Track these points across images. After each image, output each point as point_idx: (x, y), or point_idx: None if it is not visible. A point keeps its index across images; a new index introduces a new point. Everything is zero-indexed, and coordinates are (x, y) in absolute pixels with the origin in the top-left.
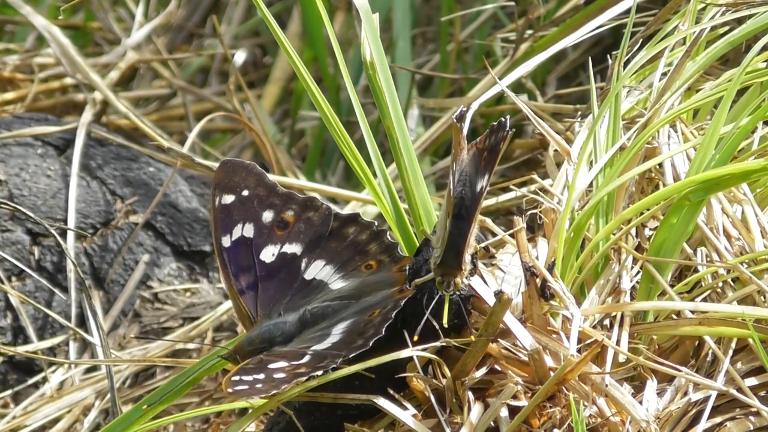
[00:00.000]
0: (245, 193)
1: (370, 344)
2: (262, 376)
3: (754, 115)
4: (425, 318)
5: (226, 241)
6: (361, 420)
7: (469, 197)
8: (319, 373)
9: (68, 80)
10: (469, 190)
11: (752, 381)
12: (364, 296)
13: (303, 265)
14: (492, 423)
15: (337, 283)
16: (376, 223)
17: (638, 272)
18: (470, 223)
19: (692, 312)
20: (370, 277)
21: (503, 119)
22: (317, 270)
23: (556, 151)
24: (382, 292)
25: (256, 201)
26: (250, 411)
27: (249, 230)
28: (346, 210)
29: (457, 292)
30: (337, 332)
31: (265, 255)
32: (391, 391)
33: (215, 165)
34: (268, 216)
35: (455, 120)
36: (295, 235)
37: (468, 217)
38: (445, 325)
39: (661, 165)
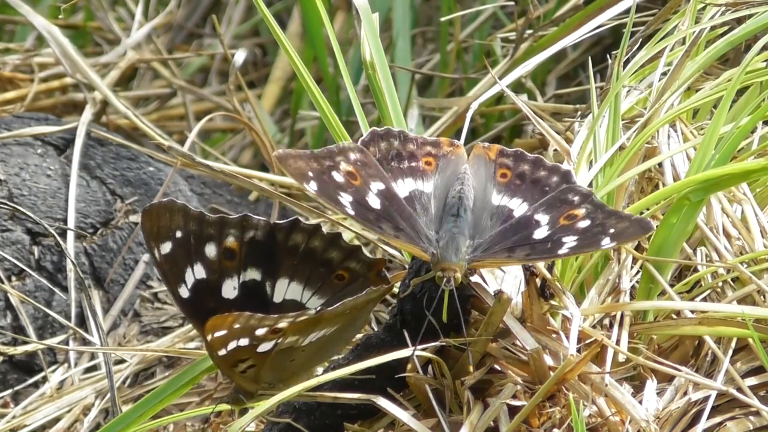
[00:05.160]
0: (179, 234)
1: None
2: None
3: (753, 114)
4: (427, 319)
5: (184, 292)
6: (361, 420)
7: (468, 197)
8: None
9: (68, 80)
10: (471, 191)
11: (752, 381)
12: None
13: (268, 289)
14: (492, 423)
15: (314, 301)
16: (320, 224)
17: (638, 272)
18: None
19: (692, 312)
20: (352, 289)
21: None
22: (284, 290)
23: (555, 150)
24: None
25: (192, 238)
26: (250, 411)
27: (200, 271)
28: None
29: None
30: None
31: (226, 291)
32: (391, 391)
33: (216, 164)
34: (210, 250)
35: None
36: (245, 261)
37: (467, 215)
38: (444, 320)
39: (660, 165)
